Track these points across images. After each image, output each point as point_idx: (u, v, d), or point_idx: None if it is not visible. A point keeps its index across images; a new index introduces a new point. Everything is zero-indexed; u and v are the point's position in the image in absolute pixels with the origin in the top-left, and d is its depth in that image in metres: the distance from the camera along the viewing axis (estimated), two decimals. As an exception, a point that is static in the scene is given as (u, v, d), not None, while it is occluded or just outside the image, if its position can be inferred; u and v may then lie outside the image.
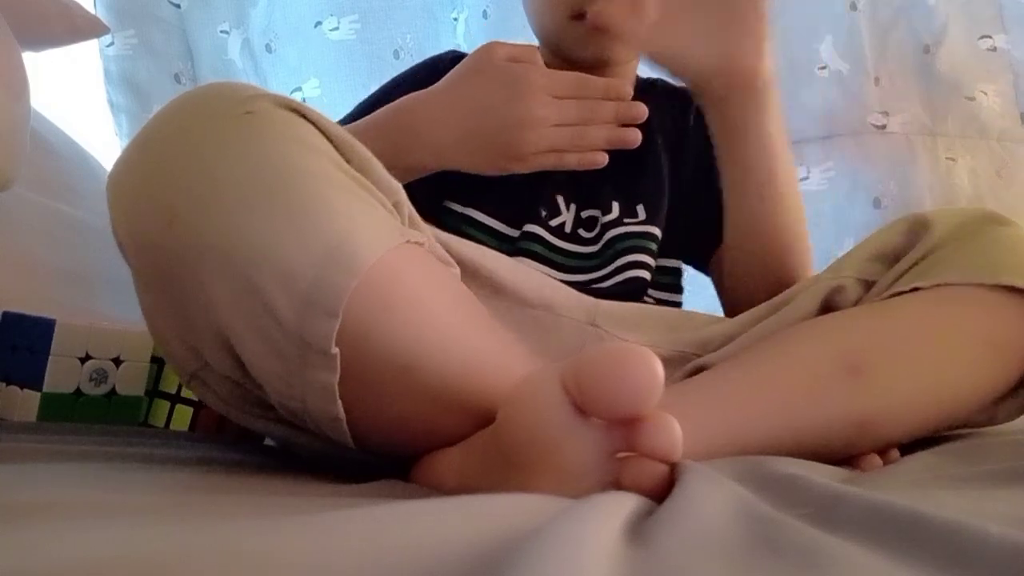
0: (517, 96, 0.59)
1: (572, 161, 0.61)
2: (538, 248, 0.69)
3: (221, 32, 1.28)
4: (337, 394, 0.37)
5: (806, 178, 1.27)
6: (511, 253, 0.65)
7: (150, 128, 0.39)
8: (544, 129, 0.59)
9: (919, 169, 1.24)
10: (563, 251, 0.71)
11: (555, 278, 0.63)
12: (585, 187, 0.70)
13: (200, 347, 0.40)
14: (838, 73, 1.26)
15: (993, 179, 1.25)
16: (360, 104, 0.77)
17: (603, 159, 0.61)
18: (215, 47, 1.28)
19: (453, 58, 0.75)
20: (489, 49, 0.61)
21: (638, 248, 0.71)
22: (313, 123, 0.40)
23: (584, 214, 0.72)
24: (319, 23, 1.26)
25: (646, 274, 0.71)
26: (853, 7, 1.27)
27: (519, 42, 0.62)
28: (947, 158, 1.25)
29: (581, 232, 0.72)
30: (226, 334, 0.37)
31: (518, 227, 0.69)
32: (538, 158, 0.60)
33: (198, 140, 0.37)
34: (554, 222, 0.71)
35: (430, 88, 0.62)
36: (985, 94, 1.27)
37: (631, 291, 0.68)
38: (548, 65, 0.77)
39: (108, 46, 1.21)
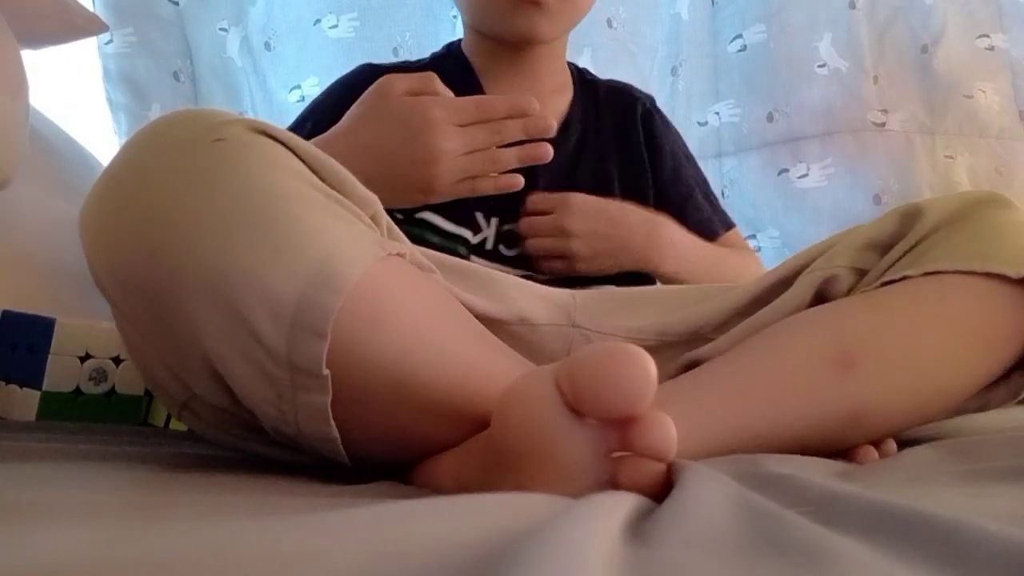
0: (419, 133, 0.58)
1: (488, 187, 0.61)
2: None
3: (220, 30, 1.28)
4: (330, 415, 0.37)
5: (805, 175, 1.27)
6: None
7: (120, 161, 0.39)
8: (452, 160, 0.58)
9: (918, 166, 1.24)
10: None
11: None
12: (506, 199, 0.67)
13: (187, 377, 0.39)
14: (837, 71, 1.26)
15: (993, 176, 1.25)
16: (293, 122, 0.79)
17: (519, 182, 0.62)
18: (214, 45, 1.28)
19: (367, 76, 0.75)
20: (384, 86, 0.60)
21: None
22: (284, 144, 0.40)
23: (506, 228, 0.73)
24: (318, 21, 1.26)
25: None
26: (852, 5, 1.27)
27: (416, 73, 0.62)
28: (946, 156, 1.25)
29: (501, 248, 0.73)
30: (213, 363, 0.37)
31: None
32: (451, 189, 0.60)
33: (172, 170, 0.37)
34: (475, 239, 0.72)
35: (331, 132, 0.62)
36: (984, 92, 1.27)
37: None
38: (473, 48, 0.80)
39: (107, 44, 1.21)
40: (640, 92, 0.87)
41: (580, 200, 0.71)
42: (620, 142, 0.81)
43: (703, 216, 0.83)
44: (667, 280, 0.75)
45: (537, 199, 0.72)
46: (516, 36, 0.74)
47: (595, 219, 0.71)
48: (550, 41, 0.76)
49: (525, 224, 0.71)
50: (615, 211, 0.73)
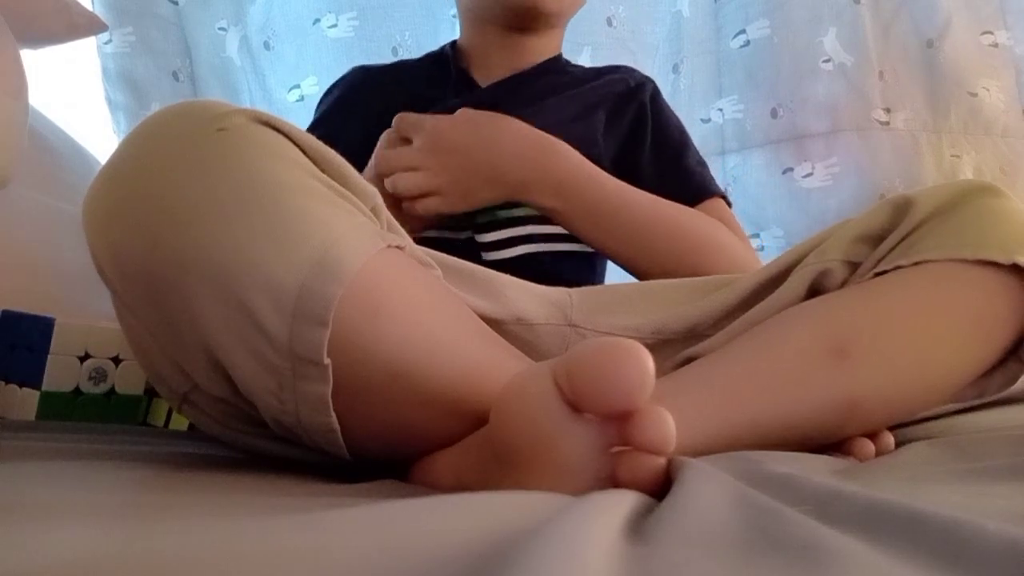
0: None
1: None
2: None
3: (219, 29, 1.28)
4: (331, 405, 0.37)
5: (810, 174, 1.27)
6: None
7: (122, 153, 0.39)
8: None
9: (924, 166, 1.24)
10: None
11: None
12: None
13: (189, 368, 0.39)
14: (842, 66, 1.26)
15: (997, 176, 1.25)
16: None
17: None
18: (213, 44, 1.28)
19: (360, 76, 0.85)
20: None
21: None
22: (286, 135, 0.40)
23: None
24: (317, 20, 1.26)
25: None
26: (856, 0, 1.27)
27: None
28: (952, 155, 1.25)
29: (475, 236, 0.74)
30: (215, 353, 0.37)
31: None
32: None
33: (174, 161, 0.37)
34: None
35: None
36: (988, 90, 1.26)
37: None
38: (470, 40, 0.83)
39: (106, 43, 1.21)
40: (628, 71, 0.87)
41: (433, 124, 0.65)
42: (616, 119, 0.81)
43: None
44: (549, 213, 0.68)
45: (398, 119, 0.65)
46: (519, 9, 0.75)
47: (452, 149, 0.64)
48: (552, 16, 0.77)
49: (382, 158, 0.64)
50: (486, 132, 0.66)
